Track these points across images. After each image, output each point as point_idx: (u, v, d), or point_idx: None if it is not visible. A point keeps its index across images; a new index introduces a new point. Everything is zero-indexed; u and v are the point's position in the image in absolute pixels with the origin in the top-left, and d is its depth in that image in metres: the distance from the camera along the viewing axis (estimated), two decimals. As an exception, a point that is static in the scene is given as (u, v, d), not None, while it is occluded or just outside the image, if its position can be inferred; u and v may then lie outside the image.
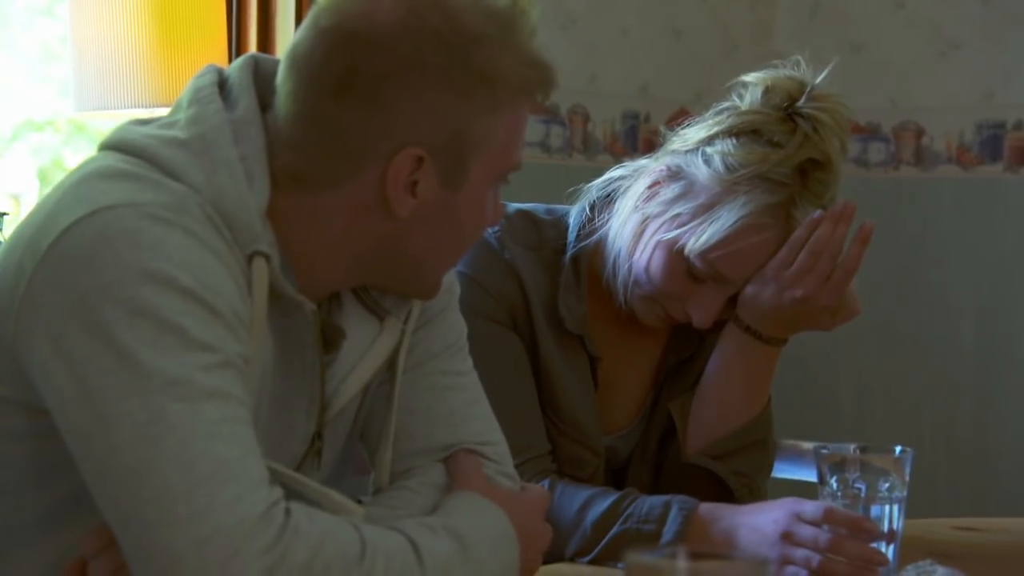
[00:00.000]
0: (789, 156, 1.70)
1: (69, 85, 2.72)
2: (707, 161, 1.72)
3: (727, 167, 1.71)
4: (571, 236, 1.81)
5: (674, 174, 1.75)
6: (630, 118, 3.55)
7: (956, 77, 3.61)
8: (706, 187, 1.72)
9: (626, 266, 1.77)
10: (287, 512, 1.17)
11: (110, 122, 2.66)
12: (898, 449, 1.54)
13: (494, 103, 1.29)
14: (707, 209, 1.71)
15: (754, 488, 1.81)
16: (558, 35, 3.41)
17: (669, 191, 1.74)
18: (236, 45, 3.03)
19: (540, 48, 1.32)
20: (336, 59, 1.26)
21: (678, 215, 1.73)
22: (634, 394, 1.87)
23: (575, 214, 1.83)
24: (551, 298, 1.79)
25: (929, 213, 3.68)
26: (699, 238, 1.70)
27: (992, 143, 3.58)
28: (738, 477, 1.80)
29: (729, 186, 1.70)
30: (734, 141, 1.72)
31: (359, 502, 1.36)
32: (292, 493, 1.23)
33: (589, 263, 1.81)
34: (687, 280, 1.74)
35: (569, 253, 1.81)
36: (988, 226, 3.61)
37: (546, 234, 1.82)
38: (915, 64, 3.66)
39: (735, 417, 1.80)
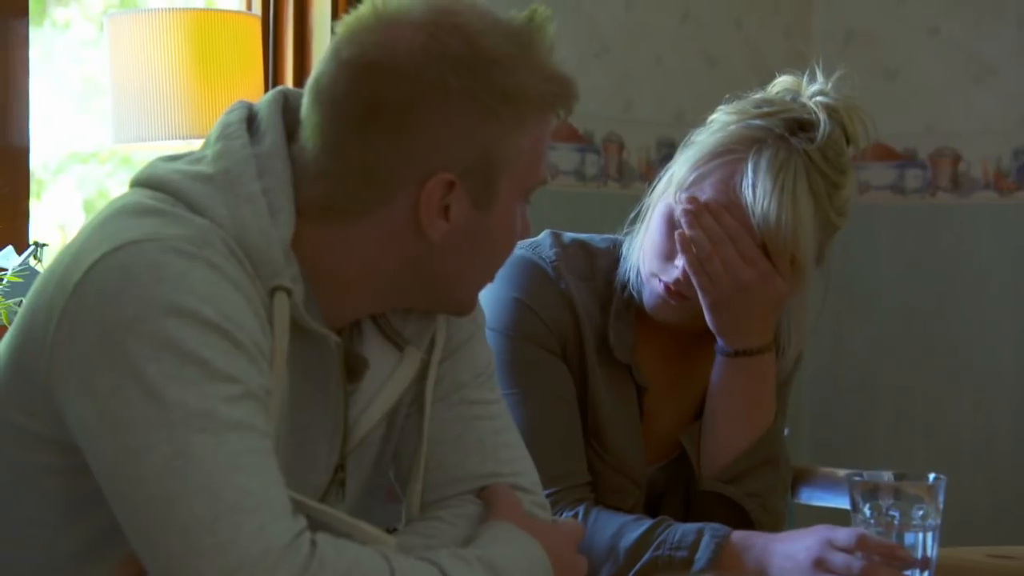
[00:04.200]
0: (775, 112, 1.74)
1: (108, 117, 2.76)
2: (706, 127, 1.77)
3: (720, 123, 1.75)
4: (624, 267, 1.82)
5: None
6: (665, 146, 3.55)
7: (992, 102, 3.60)
8: (698, 143, 1.76)
9: (639, 250, 1.79)
10: (312, 543, 1.17)
11: (151, 154, 2.69)
12: (932, 476, 1.54)
13: (519, 121, 1.30)
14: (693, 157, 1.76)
15: (768, 507, 1.81)
16: (593, 63, 3.42)
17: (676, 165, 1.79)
18: (273, 78, 3.06)
19: (559, 63, 1.32)
20: (360, 90, 1.27)
21: (673, 174, 1.77)
22: (677, 426, 1.87)
23: (627, 245, 1.84)
24: (602, 328, 1.80)
25: (966, 239, 3.67)
26: (680, 173, 1.75)
27: (1029, 168, 3.57)
28: (751, 498, 1.80)
29: (716, 133, 1.75)
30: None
31: (393, 530, 1.36)
32: (321, 526, 1.23)
33: (638, 292, 1.82)
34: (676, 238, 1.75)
35: (620, 282, 1.82)
36: (1026, 251, 3.60)
37: (599, 264, 1.84)
38: (950, 90, 3.65)
39: (741, 439, 1.81)
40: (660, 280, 1.76)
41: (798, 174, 1.71)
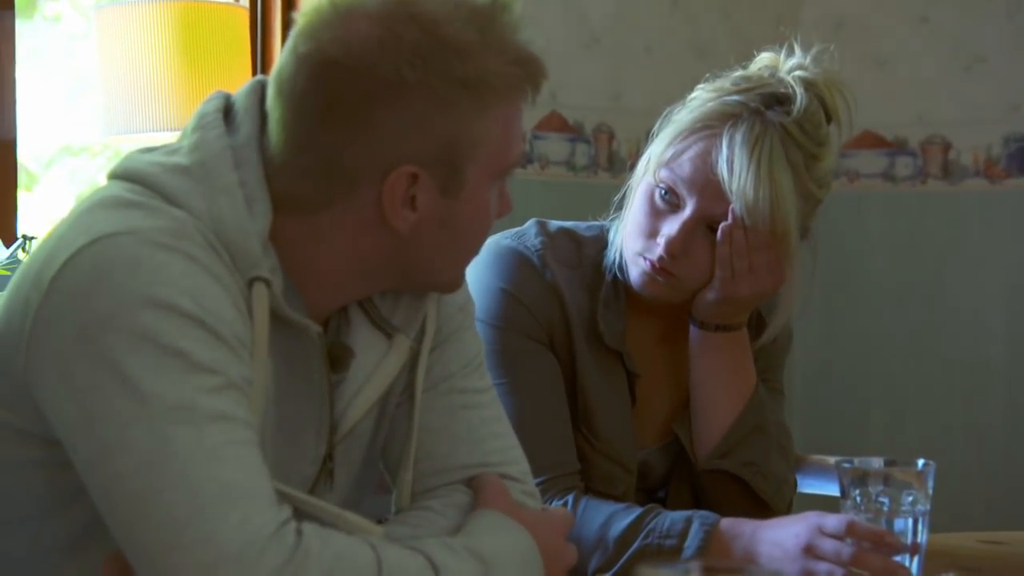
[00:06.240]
0: (751, 88, 1.76)
1: (98, 110, 2.75)
2: (685, 105, 1.79)
3: (698, 100, 1.77)
4: (611, 253, 1.83)
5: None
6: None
7: (982, 90, 3.60)
8: (676, 120, 1.77)
9: (623, 232, 1.80)
10: (298, 533, 1.16)
11: (140, 146, 2.68)
12: (920, 462, 1.53)
13: (483, 107, 1.28)
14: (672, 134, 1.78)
15: (767, 473, 1.82)
16: (582, 54, 3.41)
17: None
18: (261, 68, 3.06)
19: (526, 42, 1.30)
20: (318, 86, 1.26)
21: (652, 152, 1.79)
22: (668, 410, 1.88)
23: (614, 231, 1.84)
24: (590, 316, 1.81)
25: (957, 227, 3.67)
26: (660, 150, 1.76)
27: (1019, 156, 3.57)
28: (748, 467, 1.82)
29: (693, 110, 1.76)
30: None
31: (382, 521, 1.36)
32: (308, 517, 1.22)
33: (625, 274, 1.82)
34: (658, 216, 1.77)
35: (608, 269, 1.82)
36: (1017, 238, 3.59)
37: (586, 252, 1.84)
38: (941, 78, 3.65)
39: (729, 412, 1.82)
40: (645, 258, 1.77)
41: (774, 147, 1.71)
